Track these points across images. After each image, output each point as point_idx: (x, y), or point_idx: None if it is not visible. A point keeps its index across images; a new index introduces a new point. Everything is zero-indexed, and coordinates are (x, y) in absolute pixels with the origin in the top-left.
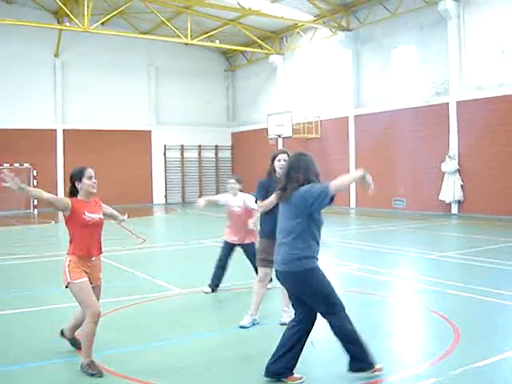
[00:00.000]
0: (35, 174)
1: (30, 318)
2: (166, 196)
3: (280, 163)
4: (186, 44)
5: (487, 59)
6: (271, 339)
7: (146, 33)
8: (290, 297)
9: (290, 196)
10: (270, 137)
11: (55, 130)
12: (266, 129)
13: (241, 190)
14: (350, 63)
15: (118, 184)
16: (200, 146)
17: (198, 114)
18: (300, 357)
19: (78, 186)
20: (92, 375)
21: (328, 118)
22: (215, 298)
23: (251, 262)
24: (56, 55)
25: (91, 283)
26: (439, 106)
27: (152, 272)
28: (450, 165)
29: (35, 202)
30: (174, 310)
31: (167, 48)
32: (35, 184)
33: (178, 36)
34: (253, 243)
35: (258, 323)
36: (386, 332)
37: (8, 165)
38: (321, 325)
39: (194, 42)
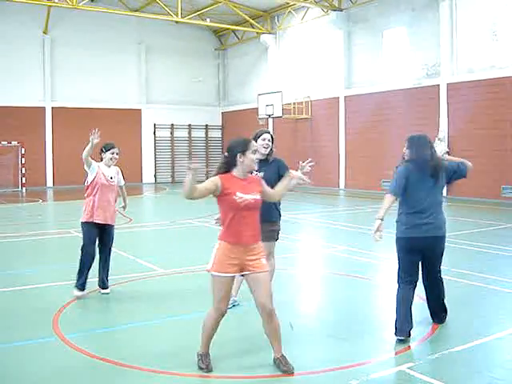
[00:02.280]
0: (23, 152)
1: (9, 298)
2: (155, 175)
3: (264, 142)
4: (176, 22)
5: (479, 42)
6: (250, 320)
7: (136, 10)
8: (413, 262)
9: (440, 171)
10: (260, 116)
11: (44, 108)
12: (257, 108)
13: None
14: (341, 43)
15: None
16: (190, 125)
17: (188, 93)
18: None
19: (240, 159)
20: (200, 368)
21: (318, 99)
22: (196, 280)
23: (108, 247)
24: (45, 32)
25: (247, 270)
26: (430, 87)
27: (136, 252)
28: (439, 147)
29: (24, 181)
30: (154, 291)
31: (158, 26)
32: (23, 162)
33: (169, 14)
34: (113, 226)
35: (238, 305)
36: (367, 315)
37: None
38: (298, 309)
39: (185, 20)
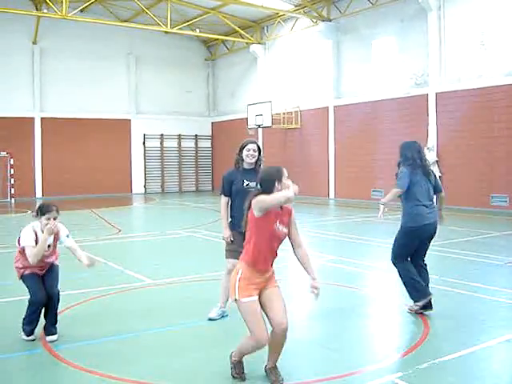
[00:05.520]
0: (12, 162)
1: None
2: (145, 186)
3: (249, 153)
4: (166, 32)
5: (467, 51)
6: (239, 331)
7: (125, 21)
8: (413, 247)
9: (431, 172)
10: (249, 127)
11: (33, 118)
12: (246, 118)
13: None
14: (330, 54)
15: (96, 173)
16: (180, 135)
17: (177, 104)
18: None
19: (278, 187)
20: (233, 377)
21: (308, 109)
22: (185, 291)
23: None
24: (34, 42)
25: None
26: (419, 97)
27: (124, 263)
28: (428, 156)
29: (12, 191)
30: (142, 303)
31: (147, 36)
32: (12, 173)
33: (158, 24)
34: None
35: (226, 315)
36: (355, 325)
37: None
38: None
39: (174, 30)
